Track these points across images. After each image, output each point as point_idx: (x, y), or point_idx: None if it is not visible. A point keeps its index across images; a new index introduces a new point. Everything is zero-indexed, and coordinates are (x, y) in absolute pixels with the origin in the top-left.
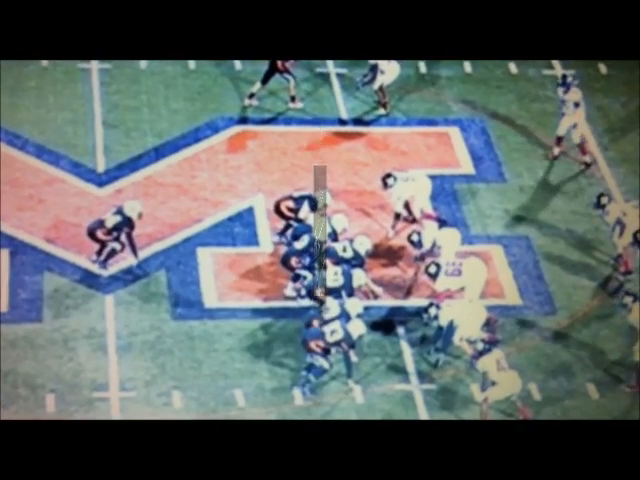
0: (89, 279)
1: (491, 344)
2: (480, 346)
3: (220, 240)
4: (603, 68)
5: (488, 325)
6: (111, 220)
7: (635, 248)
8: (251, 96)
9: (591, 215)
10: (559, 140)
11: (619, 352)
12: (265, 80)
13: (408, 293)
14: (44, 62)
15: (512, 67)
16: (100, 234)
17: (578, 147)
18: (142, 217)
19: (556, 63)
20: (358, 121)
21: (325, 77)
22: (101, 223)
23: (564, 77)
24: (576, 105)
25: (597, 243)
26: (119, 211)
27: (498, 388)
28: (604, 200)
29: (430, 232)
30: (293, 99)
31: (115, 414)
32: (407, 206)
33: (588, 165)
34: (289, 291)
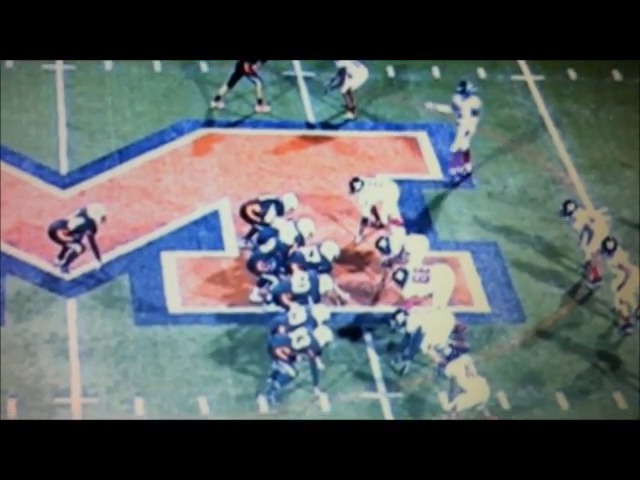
0: (51, 283)
1: (459, 351)
2: (448, 351)
3: (185, 244)
4: (572, 74)
5: (456, 333)
6: (74, 222)
7: (604, 255)
8: (217, 99)
9: (560, 222)
10: (466, 154)
11: (588, 360)
12: (232, 83)
13: (375, 299)
14: (8, 64)
15: (480, 72)
16: (61, 234)
17: (463, 154)
18: (105, 220)
19: (525, 69)
20: (325, 125)
21: (292, 80)
22: (63, 224)
23: (463, 84)
24: (474, 113)
25: (566, 250)
26: (82, 213)
27: (466, 396)
28: (570, 207)
29: (398, 238)
30: (260, 102)
31: None
32: (374, 211)
33: (468, 174)
34: (255, 296)
